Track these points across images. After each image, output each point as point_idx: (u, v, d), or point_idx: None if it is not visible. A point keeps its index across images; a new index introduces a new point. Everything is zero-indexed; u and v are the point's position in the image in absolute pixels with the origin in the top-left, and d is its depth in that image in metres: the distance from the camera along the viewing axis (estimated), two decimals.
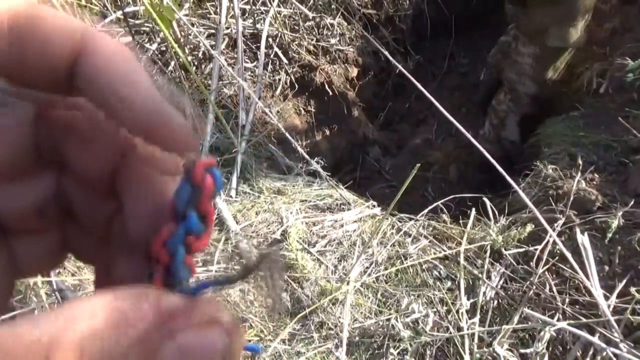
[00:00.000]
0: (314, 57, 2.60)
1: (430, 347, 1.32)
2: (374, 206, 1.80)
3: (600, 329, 1.21)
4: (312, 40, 2.62)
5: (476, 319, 1.34)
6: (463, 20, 3.18)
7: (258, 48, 2.38)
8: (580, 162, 1.65)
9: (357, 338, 1.36)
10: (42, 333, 0.15)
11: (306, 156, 1.89)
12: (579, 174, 1.61)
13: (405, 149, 2.86)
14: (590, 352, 1.22)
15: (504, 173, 1.25)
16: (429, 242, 1.60)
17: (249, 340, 1.36)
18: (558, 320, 1.28)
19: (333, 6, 2.74)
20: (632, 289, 1.25)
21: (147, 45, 2.28)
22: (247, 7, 2.47)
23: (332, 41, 2.69)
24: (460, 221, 1.69)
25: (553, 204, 1.57)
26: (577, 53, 2.26)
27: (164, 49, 2.31)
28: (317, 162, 1.97)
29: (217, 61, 1.97)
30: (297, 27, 2.59)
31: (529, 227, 1.47)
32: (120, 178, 0.23)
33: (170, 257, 0.20)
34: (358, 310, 1.43)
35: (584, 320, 1.25)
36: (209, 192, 0.20)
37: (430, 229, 1.66)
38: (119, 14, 2.11)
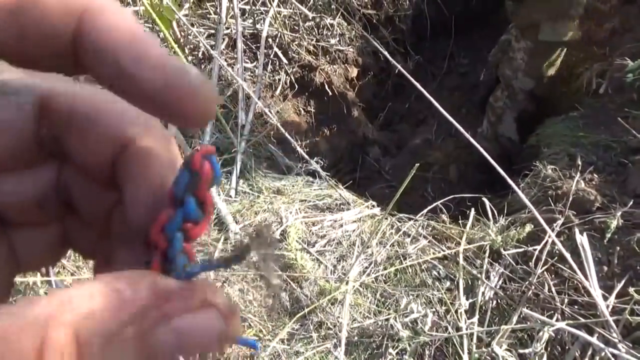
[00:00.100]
0: (313, 57, 2.60)
1: (429, 347, 1.32)
2: (373, 206, 1.80)
3: (599, 329, 1.21)
4: (312, 40, 2.62)
5: (475, 319, 1.34)
6: (463, 20, 3.19)
7: (258, 48, 2.39)
8: (579, 162, 1.65)
9: (355, 338, 1.37)
10: (38, 313, 0.15)
11: (306, 156, 1.89)
12: (578, 174, 1.61)
13: (405, 149, 2.86)
14: (589, 353, 1.22)
15: (503, 173, 1.25)
16: (428, 242, 1.60)
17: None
18: (557, 320, 1.28)
19: (333, 6, 2.75)
20: (631, 290, 1.25)
21: None
22: (247, 7, 2.47)
23: (332, 41, 2.69)
24: (460, 221, 1.69)
25: (552, 204, 1.57)
26: (576, 53, 2.26)
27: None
28: (317, 162, 1.98)
29: (216, 61, 1.97)
30: (297, 27, 2.60)
31: (528, 227, 1.47)
32: (120, 168, 0.23)
33: (168, 243, 0.20)
34: (357, 310, 1.43)
35: (582, 320, 1.25)
36: (207, 179, 0.20)
37: (430, 229, 1.66)
38: None
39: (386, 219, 1.66)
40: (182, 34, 2.27)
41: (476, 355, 1.27)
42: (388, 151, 2.88)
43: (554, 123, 2.07)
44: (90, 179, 0.23)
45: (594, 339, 1.18)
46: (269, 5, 2.43)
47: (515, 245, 1.49)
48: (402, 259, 1.54)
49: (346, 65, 2.77)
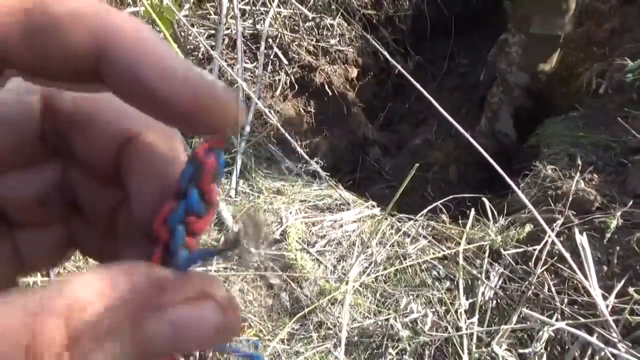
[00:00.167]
0: (313, 57, 2.61)
1: (429, 347, 1.32)
2: (373, 206, 1.81)
3: (598, 329, 1.21)
4: (312, 40, 2.63)
5: (475, 319, 1.34)
6: (463, 20, 3.19)
7: (258, 48, 2.39)
8: (579, 162, 1.65)
9: (355, 338, 1.37)
10: (30, 301, 0.15)
11: (306, 156, 1.89)
12: (578, 174, 1.61)
13: (405, 149, 2.86)
14: (589, 352, 1.23)
15: (502, 173, 1.26)
16: (428, 242, 1.60)
17: (248, 340, 1.36)
18: (556, 320, 1.28)
19: (333, 7, 2.75)
20: (631, 289, 1.25)
21: None
22: (247, 7, 2.47)
23: (332, 42, 2.69)
24: (460, 221, 1.69)
25: (552, 204, 1.57)
26: (576, 53, 2.26)
27: None
28: (317, 163, 1.98)
29: (216, 62, 1.98)
30: (297, 28, 2.60)
31: (528, 227, 1.47)
32: (124, 164, 0.22)
33: (170, 235, 0.20)
34: (357, 310, 1.43)
35: (582, 320, 1.25)
36: (210, 170, 0.20)
37: (430, 229, 1.67)
38: None
39: (386, 219, 1.66)
40: (182, 34, 2.28)
41: (476, 355, 1.27)
42: (388, 151, 2.88)
43: (554, 123, 2.07)
44: (95, 176, 0.23)
45: (593, 339, 1.18)
46: (269, 6, 2.44)
47: (515, 245, 1.49)
48: (402, 259, 1.54)
49: (346, 65, 2.77)
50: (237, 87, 1.88)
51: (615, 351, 1.14)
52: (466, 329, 1.32)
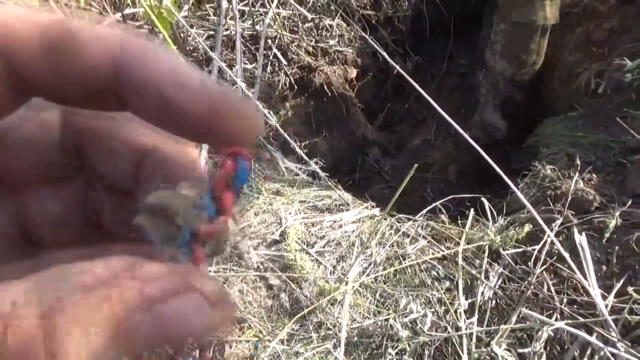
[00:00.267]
0: (313, 58, 2.61)
1: (428, 347, 1.32)
2: (372, 207, 1.81)
3: (598, 328, 1.21)
4: (311, 41, 2.63)
5: (474, 319, 1.34)
6: (462, 21, 3.19)
7: (257, 49, 2.39)
8: (578, 162, 1.65)
9: (355, 338, 1.37)
10: (8, 295, 0.15)
11: (305, 157, 1.89)
12: (577, 174, 1.61)
13: (405, 149, 2.86)
14: (588, 352, 1.23)
15: (501, 173, 1.26)
16: (428, 242, 1.60)
17: (248, 341, 1.36)
18: (556, 320, 1.28)
19: (332, 7, 2.75)
20: (630, 289, 1.25)
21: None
22: (246, 8, 2.47)
23: (331, 42, 2.70)
24: (459, 221, 1.69)
25: (551, 204, 1.57)
26: (575, 53, 2.27)
27: None
28: (316, 163, 1.98)
29: (216, 63, 1.98)
30: (296, 29, 2.60)
31: (527, 227, 1.47)
32: (143, 176, 0.23)
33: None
34: (356, 311, 1.43)
35: (581, 320, 1.25)
36: (224, 175, 0.20)
37: (429, 229, 1.67)
38: (118, 15, 2.12)
39: (385, 219, 1.66)
40: (182, 35, 2.28)
41: (475, 355, 1.27)
42: (387, 152, 2.88)
43: (553, 123, 2.08)
44: (115, 190, 0.24)
45: (593, 339, 1.19)
46: (268, 7, 2.44)
47: (514, 245, 1.49)
48: (401, 259, 1.54)
49: (345, 66, 2.77)
50: (236, 88, 1.88)
51: (614, 350, 1.14)
52: (466, 329, 1.32)
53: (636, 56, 1.94)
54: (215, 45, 2.17)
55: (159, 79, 0.19)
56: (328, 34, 2.71)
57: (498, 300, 1.40)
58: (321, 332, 1.39)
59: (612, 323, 1.19)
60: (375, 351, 1.34)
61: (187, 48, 2.34)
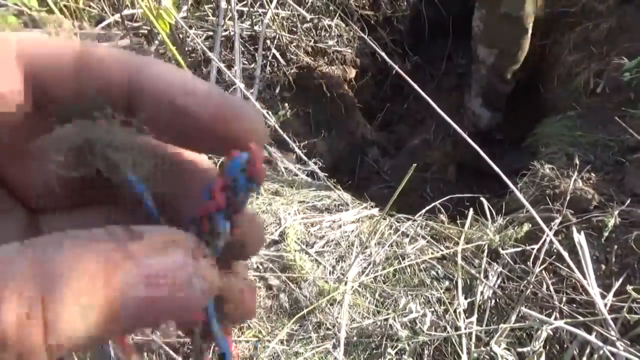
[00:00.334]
0: (311, 58, 2.61)
1: (428, 346, 1.32)
2: (372, 207, 1.81)
3: (597, 327, 1.21)
4: (310, 41, 2.63)
5: (474, 319, 1.34)
6: (461, 20, 3.19)
7: (256, 50, 2.39)
8: (577, 161, 1.65)
9: (355, 338, 1.37)
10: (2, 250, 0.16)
11: (304, 157, 1.90)
12: (576, 173, 1.61)
13: (404, 149, 2.86)
14: (587, 351, 1.23)
15: (500, 173, 1.26)
16: (427, 242, 1.60)
17: (247, 341, 1.36)
18: (555, 319, 1.28)
19: (331, 8, 2.75)
20: (629, 288, 1.25)
21: (145, 47, 2.29)
22: (245, 9, 2.48)
23: (330, 42, 2.70)
24: (458, 221, 1.69)
25: (550, 203, 1.57)
26: (574, 52, 2.27)
27: (162, 51, 2.31)
28: (315, 163, 1.98)
29: (214, 63, 1.98)
30: (295, 29, 2.60)
31: (526, 227, 1.48)
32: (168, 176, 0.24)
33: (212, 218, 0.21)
34: (356, 311, 1.43)
35: (581, 318, 1.25)
36: (221, 173, 0.21)
37: (428, 229, 1.67)
38: (117, 16, 2.12)
39: (385, 219, 1.66)
40: (180, 36, 2.28)
41: (475, 355, 1.27)
42: (387, 152, 2.88)
43: (552, 122, 2.08)
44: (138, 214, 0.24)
45: (592, 337, 1.19)
46: (267, 7, 2.44)
47: (513, 244, 1.49)
48: (400, 259, 1.54)
49: (344, 66, 2.77)
50: (235, 88, 1.89)
51: (613, 349, 1.14)
52: (465, 329, 1.32)
53: (635, 55, 1.94)
54: (214, 46, 2.17)
55: (170, 89, 0.21)
56: (327, 34, 2.71)
57: (497, 300, 1.40)
58: (321, 332, 1.39)
59: (611, 322, 1.19)
60: (374, 351, 1.34)
61: (186, 49, 2.34)
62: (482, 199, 1.64)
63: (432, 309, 1.40)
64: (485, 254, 1.49)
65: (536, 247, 1.43)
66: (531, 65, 2.48)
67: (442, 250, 1.55)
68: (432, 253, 1.55)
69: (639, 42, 2.06)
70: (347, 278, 1.48)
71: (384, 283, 1.50)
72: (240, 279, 0.22)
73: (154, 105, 0.21)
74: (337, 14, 2.77)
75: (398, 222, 1.70)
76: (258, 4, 2.52)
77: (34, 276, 0.15)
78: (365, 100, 2.95)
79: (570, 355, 1.24)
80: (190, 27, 2.34)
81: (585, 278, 1.28)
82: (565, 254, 1.26)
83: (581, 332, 1.20)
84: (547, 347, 1.27)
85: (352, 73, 2.83)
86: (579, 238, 1.36)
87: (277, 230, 1.63)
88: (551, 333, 1.27)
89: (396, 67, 1.62)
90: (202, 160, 0.24)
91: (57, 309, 0.15)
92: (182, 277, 0.18)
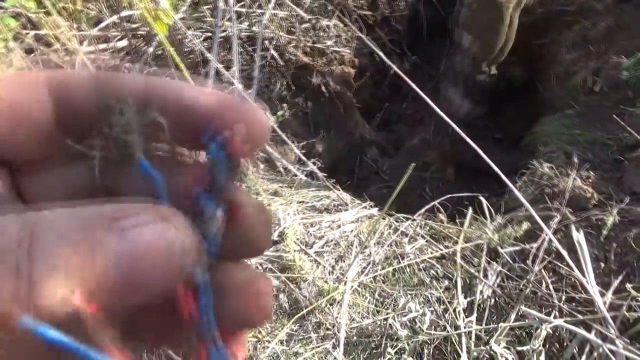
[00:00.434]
0: (310, 58, 2.61)
1: (427, 346, 1.32)
2: (371, 206, 1.81)
3: (596, 325, 1.21)
4: (308, 42, 2.63)
5: (473, 318, 1.34)
6: None
7: (254, 50, 2.39)
8: (575, 160, 1.65)
9: (354, 338, 1.37)
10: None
11: (303, 157, 1.90)
12: (575, 171, 1.61)
13: (403, 149, 2.86)
14: (587, 349, 1.23)
15: (500, 172, 1.26)
16: (426, 241, 1.60)
17: (247, 342, 1.36)
18: (555, 317, 1.28)
19: (329, 8, 2.75)
20: (628, 286, 1.25)
21: (144, 48, 2.29)
22: (243, 9, 2.48)
23: (329, 43, 2.70)
24: (457, 220, 1.69)
25: (549, 202, 1.57)
26: (572, 51, 2.27)
27: (160, 52, 2.31)
28: (314, 164, 1.98)
29: (213, 64, 1.98)
30: (293, 29, 2.60)
31: (525, 225, 1.48)
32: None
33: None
34: (355, 310, 1.43)
35: (580, 317, 1.25)
36: (209, 160, 0.22)
37: (427, 228, 1.67)
38: (115, 18, 2.12)
39: (384, 219, 1.66)
40: (179, 37, 2.28)
41: (475, 354, 1.27)
42: (386, 152, 2.88)
43: (550, 121, 2.08)
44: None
45: (591, 336, 1.19)
46: (265, 8, 2.44)
47: (512, 243, 1.49)
48: (400, 258, 1.54)
49: (343, 66, 2.77)
50: (233, 89, 1.89)
51: (613, 347, 1.14)
52: (465, 328, 1.32)
53: (632, 54, 1.94)
54: (212, 47, 2.17)
55: (179, 94, 0.24)
56: (325, 35, 2.71)
57: (497, 299, 1.41)
58: (320, 332, 1.39)
59: (610, 320, 1.19)
60: (374, 350, 1.34)
61: (184, 50, 2.34)
62: (481, 198, 1.64)
63: (432, 308, 1.40)
64: (484, 253, 1.49)
65: (535, 245, 1.43)
66: (529, 63, 2.49)
67: (441, 250, 1.56)
68: (431, 252, 1.55)
69: (637, 40, 2.07)
70: (346, 278, 1.48)
71: (384, 283, 1.50)
72: (247, 271, 0.23)
73: (165, 109, 0.23)
74: (335, 14, 2.77)
75: (397, 221, 1.70)
76: (256, 4, 2.52)
77: (20, 240, 0.16)
78: (364, 100, 2.95)
79: (570, 354, 1.24)
80: (189, 28, 2.34)
81: (584, 276, 1.28)
82: (565, 253, 1.26)
83: (581, 331, 1.20)
84: (547, 346, 1.27)
85: (350, 73, 2.83)
86: (578, 236, 1.36)
87: (276, 230, 1.63)
88: (551, 331, 1.27)
89: (394, 67, 1.62)
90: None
91: (41, 269, 0.16)
92: (162, 245, 0.18)
